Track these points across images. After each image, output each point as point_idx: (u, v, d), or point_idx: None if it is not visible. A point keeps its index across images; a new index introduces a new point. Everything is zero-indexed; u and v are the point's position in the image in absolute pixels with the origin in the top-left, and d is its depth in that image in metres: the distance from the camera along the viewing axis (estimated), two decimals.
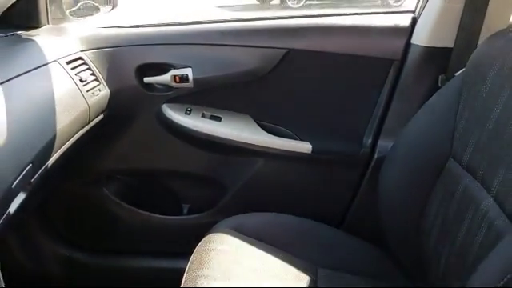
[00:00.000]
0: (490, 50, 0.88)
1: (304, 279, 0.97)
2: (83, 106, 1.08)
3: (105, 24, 1.33)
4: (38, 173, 0.90)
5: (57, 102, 0.98)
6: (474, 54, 0.92)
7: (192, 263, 0.96)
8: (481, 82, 0.86)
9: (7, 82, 0.87)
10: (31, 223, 1.40)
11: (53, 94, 0.99)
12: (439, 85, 1.12)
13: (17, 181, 0.80)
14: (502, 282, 0.60)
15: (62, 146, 1.01)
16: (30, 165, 0.85)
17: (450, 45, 1.11)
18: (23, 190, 0.85)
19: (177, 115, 1.29)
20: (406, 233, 0.98)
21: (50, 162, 0.96)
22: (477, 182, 0.82)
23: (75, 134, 1.08)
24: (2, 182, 0.76)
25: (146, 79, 1.26)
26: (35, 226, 1.41)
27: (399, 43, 1.18)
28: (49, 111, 0.96)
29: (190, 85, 1.25)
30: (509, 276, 0.60)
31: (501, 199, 0.74)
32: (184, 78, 1.24)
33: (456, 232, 0.83)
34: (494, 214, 0.75)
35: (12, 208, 0.82)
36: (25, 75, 0.94)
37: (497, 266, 0.65)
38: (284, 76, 1.25)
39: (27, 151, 0.85)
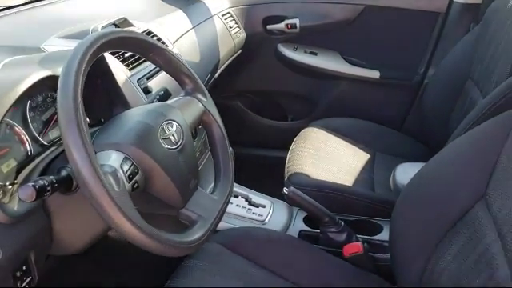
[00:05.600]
0: (496, 7, 1.27)
1: (365, 156, 1.48)
2: (231, 43, 1.70)
3: None
4: (212, 80, 1.55)
5: (218, 40, 1.61)
6: (488, 9, 1.31)
7: (295, 141, 1.53)
8: (487, 29, 1.27)
9: (195, 27, 1.51)
10: None
11: (216, 35, 1.62)
12: (470, 30, 1.51)
13: (204, 82, 1.45)
14: None
15: (220, 68, 1.65)
16: (209, 74, 1.49)
17: (479, 1, 1.49)
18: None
19: (287, 51, 1.85)
20: (439, 129, 1.40)
21: (216, 75, 1.61)
22: (477, 89, 1.24)
23: (226, 61, 1.70)
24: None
25: (269, 26, 1.83)
26: None
27: (444, 0, 1.59)
28: (215, 45, 1.59)
29: (297, 30, 1.80)
30: None
31: (485, 95, 1.16)
32: (293, 26, 1.78)
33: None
34: None
35: None
36: (202, 23, 1.57)
37: None
38: (362, 24, 1.73)
39: (207, 66, 1.48)
